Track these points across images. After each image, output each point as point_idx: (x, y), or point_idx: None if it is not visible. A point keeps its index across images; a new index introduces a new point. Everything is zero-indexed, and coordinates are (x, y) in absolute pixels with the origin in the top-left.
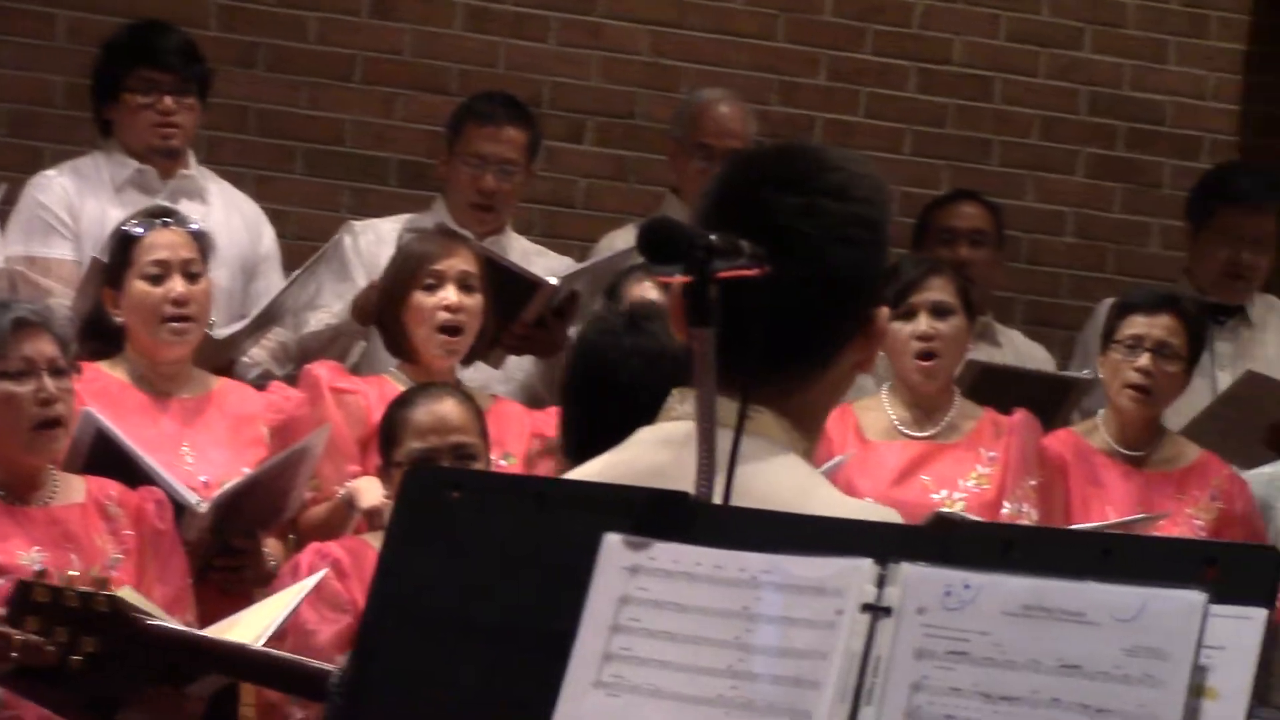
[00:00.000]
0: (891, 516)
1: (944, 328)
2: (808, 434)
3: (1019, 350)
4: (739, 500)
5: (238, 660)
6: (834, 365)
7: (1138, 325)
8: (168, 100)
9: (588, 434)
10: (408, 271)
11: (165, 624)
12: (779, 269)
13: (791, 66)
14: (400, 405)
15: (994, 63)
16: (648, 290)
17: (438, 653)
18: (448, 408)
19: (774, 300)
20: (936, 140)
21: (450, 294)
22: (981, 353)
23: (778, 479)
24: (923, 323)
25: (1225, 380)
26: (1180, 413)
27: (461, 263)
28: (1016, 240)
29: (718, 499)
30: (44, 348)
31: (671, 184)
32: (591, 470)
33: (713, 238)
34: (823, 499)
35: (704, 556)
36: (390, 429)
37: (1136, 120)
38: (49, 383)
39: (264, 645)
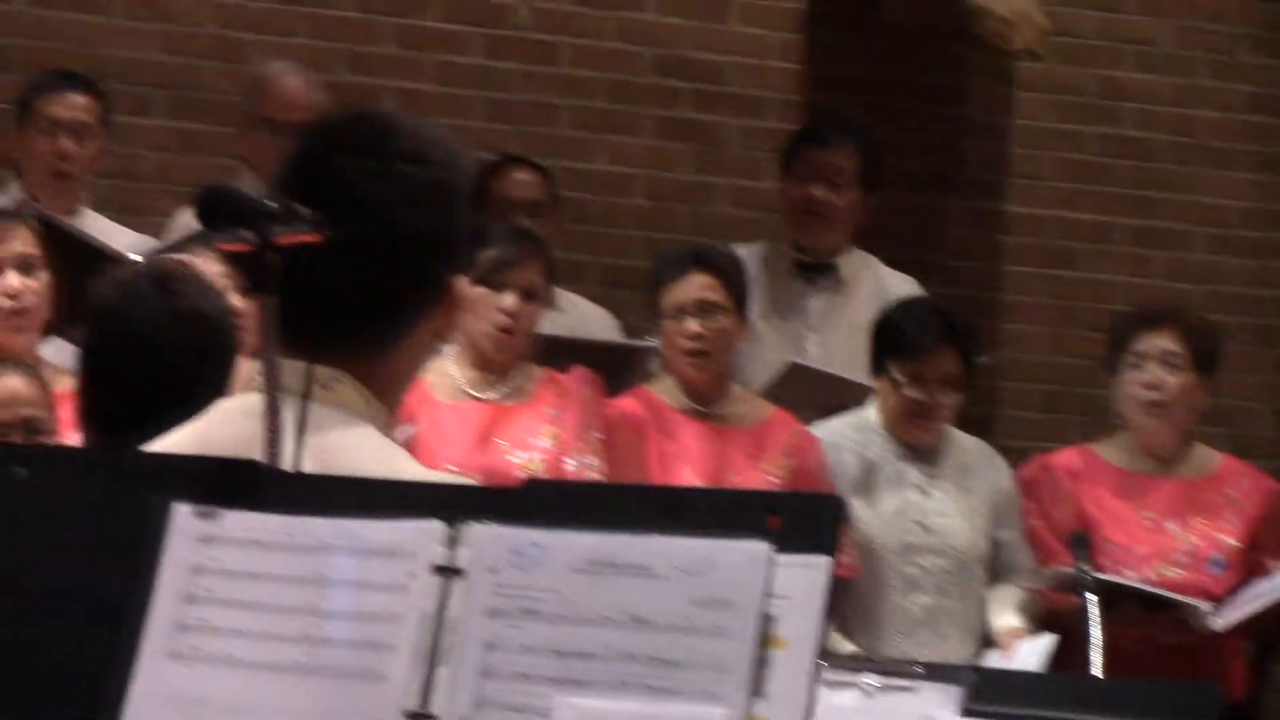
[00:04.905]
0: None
1: (528, 308)
2: (388, 404)
3: (583, 314)
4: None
5: None
6: (412, 333)
7: (675, 292)
8: None
9: (117, 402)
10: None
11: None
12: (353, 234)
13: (357, 35)
14: None
15: (560, 27)
16: (208, 260)
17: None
18: (15, 383)
19: (347, 265)
20: (504, 106)
21: (11, 279)
22: (546, 318)
23: (358, 451)
24: (508, 300)
25: (814, 341)
26: (768, 367)
27: (20, 245)
28: (587, 203)
29: (287, 466)
30: None
31: (243, 156)
32: (173, 442)
33: (270, 204)
34: (404, 471)
35: (274, 524)
36: None
37: (701, 81)
38: None
39: None
